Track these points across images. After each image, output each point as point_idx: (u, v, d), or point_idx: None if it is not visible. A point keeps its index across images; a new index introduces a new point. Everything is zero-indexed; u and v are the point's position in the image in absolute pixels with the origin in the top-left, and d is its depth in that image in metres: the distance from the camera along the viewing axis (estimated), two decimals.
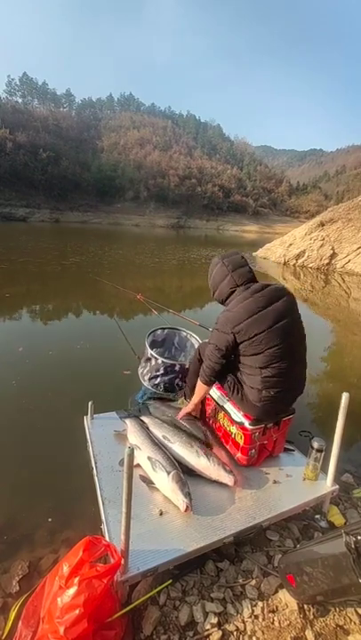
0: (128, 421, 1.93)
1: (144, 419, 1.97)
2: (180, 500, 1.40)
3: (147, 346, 2.49)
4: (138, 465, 1.61)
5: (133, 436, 1.80)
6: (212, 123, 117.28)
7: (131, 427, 1.88)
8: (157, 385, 2.37)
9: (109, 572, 1.08)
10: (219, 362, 1.62)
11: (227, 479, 1.56)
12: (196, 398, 1.85)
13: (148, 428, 1.87)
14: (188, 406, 1.92)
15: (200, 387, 1.77)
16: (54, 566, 1.26)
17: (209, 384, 1.73)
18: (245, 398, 1.63)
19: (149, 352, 2.42)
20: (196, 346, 2.38)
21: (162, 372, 2.35)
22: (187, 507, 1.38)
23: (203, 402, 2.03)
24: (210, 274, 1.75)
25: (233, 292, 1.65)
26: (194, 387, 1.94)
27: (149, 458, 1.59)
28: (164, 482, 1.48)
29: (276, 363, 1.53)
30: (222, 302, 1.72)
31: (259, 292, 1.57)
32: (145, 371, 2.47)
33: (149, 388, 2.40)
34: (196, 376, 1.87)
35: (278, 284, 1.68)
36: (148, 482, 1.55)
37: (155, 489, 1.52)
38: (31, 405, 2.58)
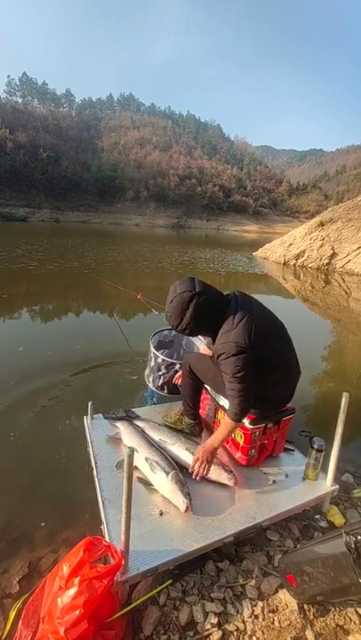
0: (120, 424, 1.90)
1: (139, 423, 1.95)
2: (179, 501, 1.40)
3: (150, 345, 2.48)
4: (135, 467, 1.59)
5: (128, 438, 1.78)
6: (212, 123, 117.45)
7: (124, 429, 1.86)
8: (162, 387, 2.36)
9: (110, 573, 1.08)
10: (249, 387, 1.41)
11: (227, 480, 1.56)
12: (224, 435, 1.50)
13: (143, 430, 1.85)
14: (216, 441, 1.52)
15: (233, 425, 1.46)
16: (54, 566, 1.26)
17: (241, 421, 1.48)
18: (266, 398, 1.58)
19: (152, 350, 2.41)
20: (202, 348, 2.14)
21: (163, 371, 2.34)
22: (187, 507, 1.38)
23: (202, 400, 2.01)
24: (185, 309, 1.41)
25: (224, 314, 1.46)
26: (192, 401, 1.89)
27: (147, 459, 1.58)
28: (163, 483, 1.48)
29: (281, 362, 1.54)
30: (214, 329, 1.47)
31: (237, 300, 1.49)
32: (148, 372, 2.46)
33: (154, 390, 2.39)
34: (191, 389, 1.84)
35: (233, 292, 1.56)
36: (146, 484, 1.54)
37: (155, 489, 1.52)
38: (31, 405, 2.58)
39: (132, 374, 3.06)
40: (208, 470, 1.52)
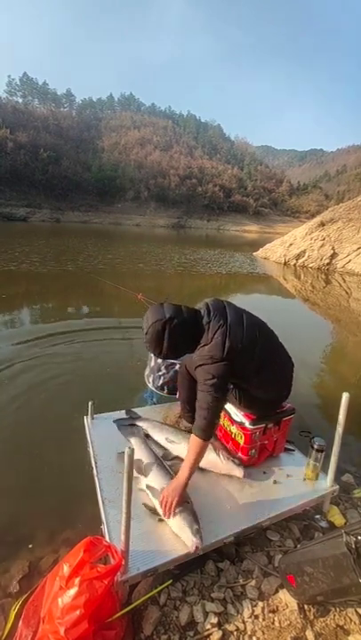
0: (133, 440, 1.78)
1: (141, 423, 1.94)
2: (189, 539, 1.25)
3: None
4: (145, 490, 1.49)
5: (139, 457, 1.65)
6: (213, 123, 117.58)
7: (137, 447, 1.70)
8: (162, 387, 2.35)
9: (110, 574, 1.08)
10: (220, 400, 1.39)
11: (237, 472, 1.60)
12: (193, 462, 1.36)
13: (153, 443, 1.79)
14: (184, 474, 1.37)
15: (201, 445, 1.35)
16: (55, 566, 1.26)
17: (209, 438, 1.39)
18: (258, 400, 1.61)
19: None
20: None
21: (163, 371, 2.34)
22: (196, 547, 1.22)
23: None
24: (164, 337, 1.38)
25: (201, 330, 1.44)
26: (190, 403, 1.83)
27: (156, 488, 1.45)
28: (173, 515, 1.34)
29: (268, 362, 1.51)
30: (195, 347, 1.45)
31: (210, 313, 1.46)
32: (148, 372, 2.46)
33: (154, 390, 2.39)
34: (189, 391, 1.79)
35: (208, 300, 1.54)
36: (152, 511, 1.41)
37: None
38: (31, 405, 2.57)
39: (131, 373, 3.06)
40: (172, 513, 1.33)
